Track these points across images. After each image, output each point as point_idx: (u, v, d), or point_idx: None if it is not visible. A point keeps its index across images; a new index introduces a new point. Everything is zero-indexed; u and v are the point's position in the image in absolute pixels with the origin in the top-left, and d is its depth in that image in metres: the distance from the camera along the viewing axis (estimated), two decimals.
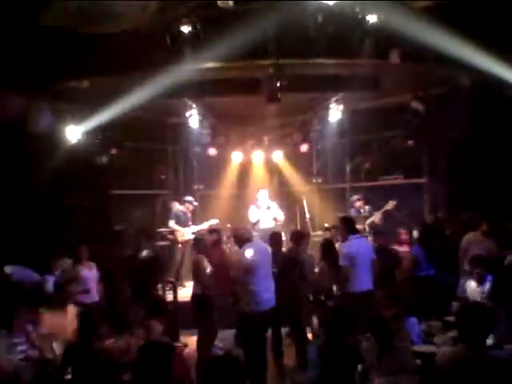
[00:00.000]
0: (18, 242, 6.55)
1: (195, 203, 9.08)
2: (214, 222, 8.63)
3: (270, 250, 5.51)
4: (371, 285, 5.58)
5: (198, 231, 8.39)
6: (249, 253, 5.07)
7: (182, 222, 8.54)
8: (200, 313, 5.73)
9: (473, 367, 2.81)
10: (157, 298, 6.41)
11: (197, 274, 5.85)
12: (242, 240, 5.28)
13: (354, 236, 5.73)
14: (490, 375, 2.79)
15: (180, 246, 8.43)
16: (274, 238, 6.08)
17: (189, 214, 8.81)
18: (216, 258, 6.44)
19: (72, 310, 5.05)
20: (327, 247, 6.20)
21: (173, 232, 8.48)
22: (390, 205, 8.27)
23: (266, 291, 5.15)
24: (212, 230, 7.23)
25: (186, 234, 8.44)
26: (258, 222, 8.33)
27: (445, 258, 6.29)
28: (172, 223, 8.43)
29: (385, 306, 4.53)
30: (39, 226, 7.18)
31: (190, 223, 8.70)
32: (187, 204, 8.80)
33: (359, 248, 5.64)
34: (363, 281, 5.52)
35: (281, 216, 8.53)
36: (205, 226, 8.50)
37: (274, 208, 8.53)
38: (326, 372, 3.80)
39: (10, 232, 6.62)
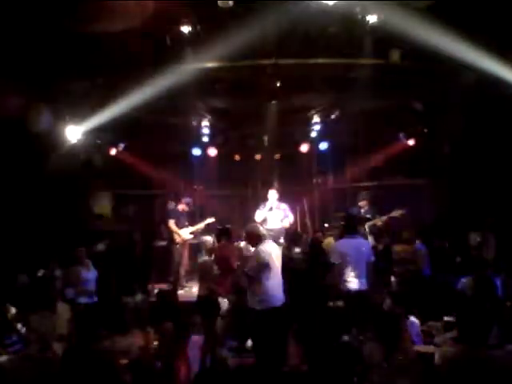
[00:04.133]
0: (16, 242, 6.55)
1: (190, 201, 9.04)
2: (210, 220, 8.60)
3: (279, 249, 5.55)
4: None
5: (196, 231, 8.38)
6: (264, 251, 5.10)
7: (180, 223, 8.52)
8: (206, 315, 5.70)
9: (473, 367, 2.81)
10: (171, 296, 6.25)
11: (206, 277, 5.81)
12: (254, 238, 5.30)
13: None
14: (490, 375, 2.79)
15: (178, 246, 8.40)
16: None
17: (185, 214, 8.79)
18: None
19: (61, 308, 5.05)
20: None
21: (171, 232, 8.46)
22: (398, 213, 8.21)
23: (278, 288, 5.20)
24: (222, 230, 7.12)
25: (184, 234, 8.42)
26: (263, 221, 8.20)
27: (442, 258, 6.31)
28: (172, 223, 8.41)
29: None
30: (38, 225, 7.17)
31: (187, 223, 8.68)
32: (185, 204, 8.77)
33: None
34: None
35: (291, 218, 8.46)
36: (202, 225, 8.48)
37: (285, 210, 8.44)
38: (324, 372, 3.78)
39: (7, 232, 6.62)
